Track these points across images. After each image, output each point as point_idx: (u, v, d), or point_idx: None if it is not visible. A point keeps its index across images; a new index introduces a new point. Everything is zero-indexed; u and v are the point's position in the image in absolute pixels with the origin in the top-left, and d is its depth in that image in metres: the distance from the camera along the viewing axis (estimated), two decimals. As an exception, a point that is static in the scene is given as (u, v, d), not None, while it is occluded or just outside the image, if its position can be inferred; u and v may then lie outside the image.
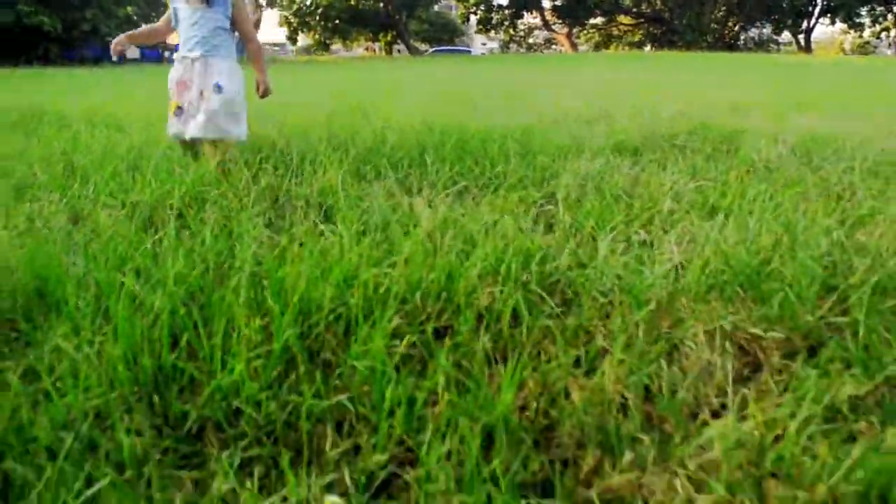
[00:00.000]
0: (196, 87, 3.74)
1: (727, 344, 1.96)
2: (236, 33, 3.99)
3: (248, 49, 4.06)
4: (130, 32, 4.05)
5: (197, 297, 1.97)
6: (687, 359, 1.91)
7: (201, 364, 1.71)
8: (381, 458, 1.40)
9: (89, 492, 1.30)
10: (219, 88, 3.72)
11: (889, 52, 69.74)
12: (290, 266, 2.03)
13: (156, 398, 1.62)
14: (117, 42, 3.88)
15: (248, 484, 1.36)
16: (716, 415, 1.69)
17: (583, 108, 7.07)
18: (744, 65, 22.27)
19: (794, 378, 1.80)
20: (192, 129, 3.74)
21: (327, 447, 1.46)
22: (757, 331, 2.03)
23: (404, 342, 1.74)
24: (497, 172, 3.76)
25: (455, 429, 1.48)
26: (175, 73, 3.81)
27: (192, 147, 3.92)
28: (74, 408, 1.52)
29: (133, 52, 45.99)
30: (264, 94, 4.04)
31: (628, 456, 1.48)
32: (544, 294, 2.13)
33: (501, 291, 2.09)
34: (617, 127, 5.40)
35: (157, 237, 2.49)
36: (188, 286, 1.99)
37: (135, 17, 44.41)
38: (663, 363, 1.84)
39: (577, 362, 1.88)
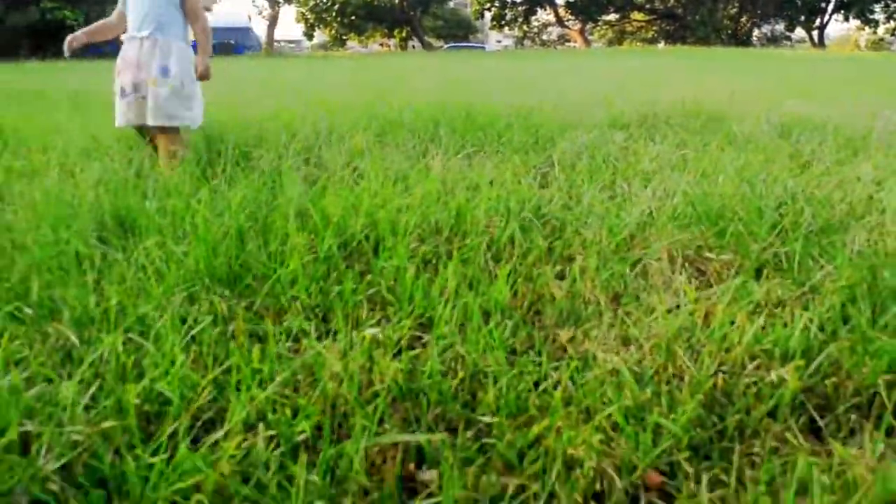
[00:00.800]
0: (145, 69, 3.56)
1: (686, 265, 2.40)
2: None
3: (193, 27, 3.79)
4: (87, 29, 3.86)
5: (256, 218, 2.43)
6: (651, 274, 2.34)
7: (262, 265, 2.17)
8: (406, 322, 1.85)
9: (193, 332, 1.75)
10: (166, 72, 3.57)
11: (903, 48, 69.47)
12: (329, 198, 2.49)
13: (227, 291, 2.07)
14: (72, 38, 3.77)
15: (305, 341, 1.81)
16: (670, 312, 2.12)
17: (585, 93, 7.52)
18: (751, 59, 22.57)
19: (737, 288, 2.22)
20: (142, 117, 3.60)
21: (363, 316, 1.91)
22: (710, 255, 2.47)
23: (422, 248, 2.20)
24: (502, 141, 4.21)
25: (463, 308, 1.92)
26: (123, 52, 3.64)
27: (146, 132, 3.80)
28: (167, 292, 1.98)
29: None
30: (202, 77, 3.73)
31: (595, 331, 1.92)
32: (537, 223, 2.57)
33: (501, 222, 2.54)
34: (614, 108, 5.83)
35: (214, 182, 2.96)
36: (248, 212, 2.45)
37: None
38: (629, 273, 2.28)
39: (561, 276, 2.32)
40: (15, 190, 3.05)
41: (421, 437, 1.40)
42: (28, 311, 1.87)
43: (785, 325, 1.89)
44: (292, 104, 5.84)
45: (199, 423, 1.46)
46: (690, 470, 1.36)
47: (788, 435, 1.46)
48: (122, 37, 3.67)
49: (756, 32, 63.67)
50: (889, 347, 1.69)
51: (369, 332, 1.68)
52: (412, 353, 1.68)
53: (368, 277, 2.13)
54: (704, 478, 1.31)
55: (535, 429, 1.40)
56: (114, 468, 1.29)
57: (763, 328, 1.86)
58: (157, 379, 1.51)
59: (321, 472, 1.30)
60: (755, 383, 1.62)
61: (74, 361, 1.65)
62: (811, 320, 1.85)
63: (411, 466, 1.40)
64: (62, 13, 35.16)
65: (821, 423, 1.54)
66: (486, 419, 1.48)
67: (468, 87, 9.27)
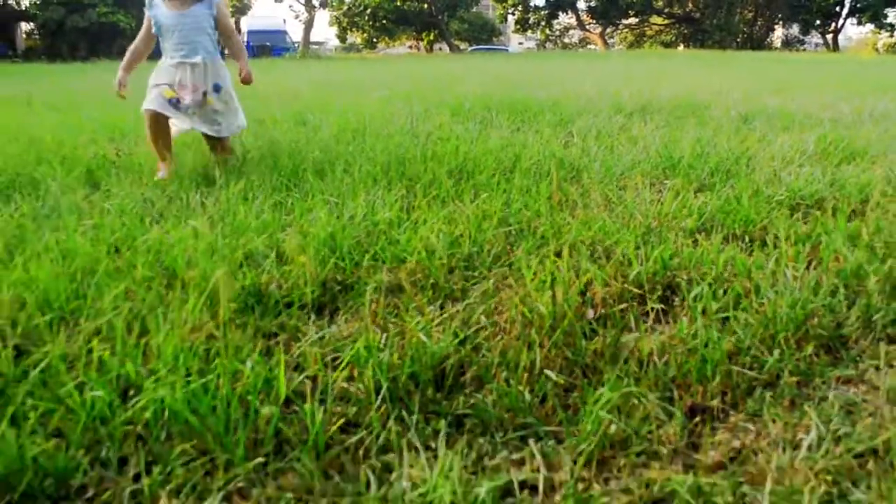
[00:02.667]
0: (199, 91, 3.90)
1: (650, 186, 4.00)
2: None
3: (230, 43, 4.10)
4: (124, 65, 4.02)
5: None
6: (634, 192, 3.94)
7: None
8: (497, 202, 3.47)
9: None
10: (218, 88, 3.96)
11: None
12: (436, 147, 4.15)
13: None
14: (121, 81, 3.98)
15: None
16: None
17: (598, 88, 9.17)
18: (756, 61, 24.04)
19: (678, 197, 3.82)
20: (206, 128, 4.02)
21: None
22: (667, 181, 4.08)
23: (497, 172, 3.84)
24: (537, 121, 5.86)
25: (524, 190, 3.54)
26: (173, 75, 3.91)
27: (168, 143, 4.05)
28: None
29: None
30: (247, 82, 4.12)
31: (596, 210, 3.53)
32: (563, 164, 4.21)
33: (543, 161, 4.18)
34: (619, 100, 7.48)
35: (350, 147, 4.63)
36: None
37: (230, 9, 46.59)
38: (616, 189, 3.89)
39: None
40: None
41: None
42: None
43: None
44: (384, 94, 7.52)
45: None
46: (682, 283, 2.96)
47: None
48: (168, 61, 3.92)
49: (771, 36, 64.36)
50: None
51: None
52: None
53: (470, 182, 3.76)
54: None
55: (567, 236, 3.01)
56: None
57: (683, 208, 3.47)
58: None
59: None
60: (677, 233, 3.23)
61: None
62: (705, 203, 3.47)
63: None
64: (116, 17, 37.12)
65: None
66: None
67: (505, 83, 10.94)
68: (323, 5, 55.66)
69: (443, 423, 1.65)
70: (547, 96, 7.57)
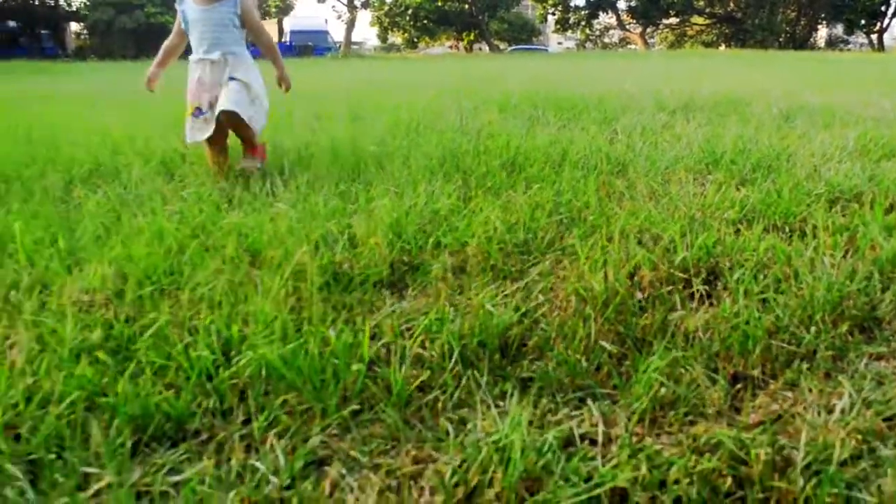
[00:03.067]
0: (218, 86, 3.77)
1: (693, 180, 4.14)
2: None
3: (261, 42, 3.98)
4: (157, 61, 3.96)
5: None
6: (678, 185, 4.09)
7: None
8: (548, 190, 3.64)
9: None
10: (233, 78, 3.77)
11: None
12: (491, 141, 4.34)
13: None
14: (152, 76, 3.95)
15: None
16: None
17: (640, 86, 9.29)
18: (797, 60, 23.86)
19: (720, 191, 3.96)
20: (220, 105, 3.75)
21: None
22: (710, 175, 4.22)
23: (547, 164, 4.02)
24: (583, 118, 6.02)
25: (572, 180, 3.71)
26: (194, 74, 3.82)
27: (218, 149, 3.99)
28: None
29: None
30: (287, 88, 4.08)
31: (643, 202, 3.69)
32: (609, 158, 4.37)
33: (591, 156, 4.35)
34: (661, 97, 7.60)
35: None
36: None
37: (274, 11, 47.18)
38: (661, 182, 4.04)
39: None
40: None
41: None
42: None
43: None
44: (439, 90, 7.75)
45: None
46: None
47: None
48: (192, 60, 3.85)
49: (814, 35, 63.56)
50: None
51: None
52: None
53: (521, 175, 3.95)
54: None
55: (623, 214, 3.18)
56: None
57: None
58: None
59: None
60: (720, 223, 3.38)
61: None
62: (747, 196, 3.61)
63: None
64: (164, 17, 37.91)
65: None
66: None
67: (548, 81, 11.10)
68: (365, 6, 56.15)
69: (509, 385, 1.84)
70: (591, 94, 7.72)
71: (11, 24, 48.44)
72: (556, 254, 2.76)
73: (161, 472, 1.51)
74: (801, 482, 1.46)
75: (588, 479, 1.46)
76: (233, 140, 4.14)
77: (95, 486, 1.46)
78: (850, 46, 68.18)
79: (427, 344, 2.02)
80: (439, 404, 1.78)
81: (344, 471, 1.51)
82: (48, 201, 3.35)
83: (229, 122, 3.78)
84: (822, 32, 66.81)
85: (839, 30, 66.96)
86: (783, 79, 13.28)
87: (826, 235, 2.85)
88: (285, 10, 55.23)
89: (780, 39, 56.87)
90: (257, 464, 1.52)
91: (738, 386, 1.90)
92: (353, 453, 1.58)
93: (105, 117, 6.81)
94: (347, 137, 4.78)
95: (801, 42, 58.55)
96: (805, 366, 1.98)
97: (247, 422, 1.70)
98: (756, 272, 2.51)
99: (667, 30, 66.89)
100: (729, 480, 1.47)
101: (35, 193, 3.48)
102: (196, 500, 1.42)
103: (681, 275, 2.55)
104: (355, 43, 74.69)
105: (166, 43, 3.97)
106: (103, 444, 1.55)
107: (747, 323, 2.12)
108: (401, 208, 3.10)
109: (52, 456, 1.54)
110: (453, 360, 1.92)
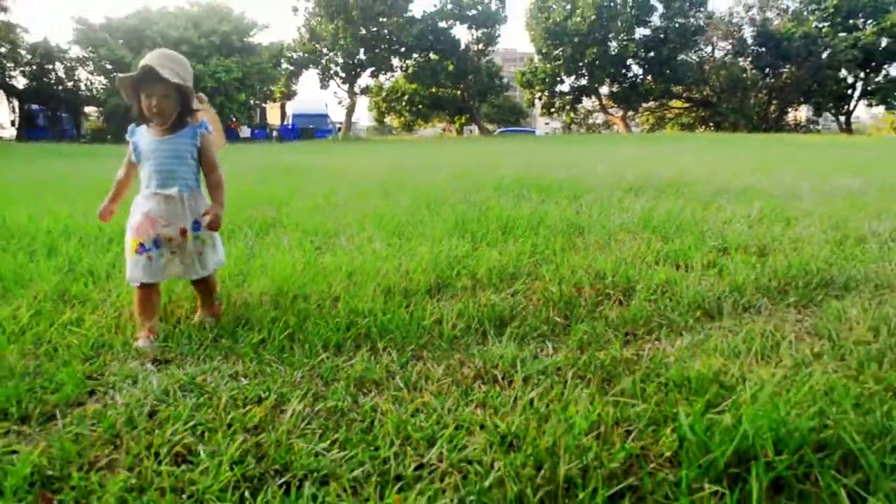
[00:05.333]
0: (174, 226, 3.43)
1: (634, 238, 5.78)
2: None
3: (210, 178, 3.60)
4: (110, 196, 3.61)
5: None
6: (619, 241, 5.72)
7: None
8: (516, 247, 5.28)
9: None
10: (198, 227, 3.48)
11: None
12: (490, 212, 6.03)
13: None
14: (106, 211, 3.57)
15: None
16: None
17: (608, 169, 11.10)
18: (764, 143, 26.02)
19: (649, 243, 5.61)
20: (181, 272, 3.52)
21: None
22: (644, 234, 5.86)
23: (528, 232, 5.69)
24: (557, 196, 7.75)
25: (547, 241, 5.35)
26: (143, 208, 3.45)
27: (155, 289, 3.52)
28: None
29: (244, 132, 51.44)
30: (212, 226, 3.48)
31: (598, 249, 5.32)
32: (574, 224, 6.04)
33: (560, 223, 6.02)
34: (623, 179, 9.37)
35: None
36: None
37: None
38: (609, 240, 5.68)
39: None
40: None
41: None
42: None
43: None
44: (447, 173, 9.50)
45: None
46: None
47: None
48: (141, 195, 3.49)
49: (785, 118, 66.35)
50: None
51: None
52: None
53: (511, 234, 5.58)
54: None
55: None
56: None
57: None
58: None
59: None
60: (641, 262, 5.01)
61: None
62: (664, 247, 5.26)
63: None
64: (180, 103, 40.01)
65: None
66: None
67: (533, 165, 12.96)
68: (364, 92, 58.97)
69: (505, 335, 3.44)
70: (566, 176, 9.53)
71: (35, 106, 50.86)
72: (531, 278, 4.38)
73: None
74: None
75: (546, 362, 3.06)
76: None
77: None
78: (819, 128, 71.17)
79: (457, 320, 3.61)
80: (469, 342, 3.36)
81: (430, 364, 3.09)
82: None
83: (199, 283, 3.65)
84: (794, 114, 69.71)
85: (809, 112, 70.00)
86: (734, 161, 15.19)
87: (702, 269, 4.50)
88: (289, 95, 57.78)
89: (753, 121, 59.59)
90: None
91: (629, 338, 3.49)
92: (427, 355, 3.17)
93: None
94: (386, 208, 6.46)
95: (772, 124, 61.26)
96: (667, 330, 3.56)
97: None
98: (654, 289, 4.13)
99: (647, 113, 69.88)
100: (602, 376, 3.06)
101: None
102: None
103: (609, 290, 4.16)
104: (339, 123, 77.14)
105: (117, 176, 3.62)
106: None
107: (641, 312, 3.72)
108: (433, 253, 4.75)
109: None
110: (475, 325, 3.52)
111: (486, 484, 2.01)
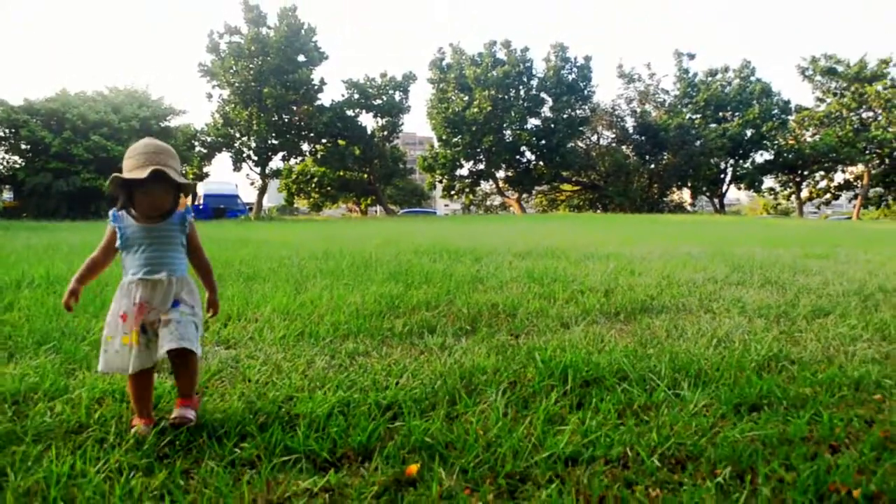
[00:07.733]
0: (157, 310, 3.25)
1: (518, 285, 7.76)
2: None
3: (199, 263, 3.54)
4: (78, 276, 3.35)
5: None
6: (507, 287, 7.69)
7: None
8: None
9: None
10: (177, 304, 3.29)
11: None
12: (409, 268, 7.95)
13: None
14: (71, 295, 3.28)
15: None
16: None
17: (501, 241, 13.26)
18: (640, 222, 29.07)
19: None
20: (150, 359, 3.23)
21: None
22: (535, 287, 7.87)
23: (438, 293, 7.64)
24: (462, 259, 9.74)
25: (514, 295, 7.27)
26: (129, 295, 3.25)
27: (147, 379, 3.31)
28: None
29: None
30: (215, 314, 3.59)
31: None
32: (475, 275, 8.00)
33: (451, 280, 7.98)
34: (512, 248, 11.48)
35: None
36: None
37: (191, 178, 49.75)
38: (499, 288, 7.65)
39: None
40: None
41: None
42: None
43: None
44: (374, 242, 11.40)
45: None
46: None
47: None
48: (127, 281, 3.29)
49: (665, 199, 70.74)
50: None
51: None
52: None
53: (432, 284, 7.49)
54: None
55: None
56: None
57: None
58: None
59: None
60: (525, 300, 6.97)
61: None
62: (542, 289, 7.27)
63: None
64: (98, 182, 40.30)
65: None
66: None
67: (441, 237, 14.98)
68: (275, 175, 60.41)
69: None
70: (469, 245, 11.66)
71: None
72: (448, 306, 6.27)
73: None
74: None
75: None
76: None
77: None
78: (696, 209, 76.49)
79: (403, 328, 5.44)
80: (413, 338, 5.19)
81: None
82: None
83: (178, 358, 3.31)
84: (677, 196, 74.33)
85: (686, 195, 75.05)
86: (611, 235, 17.66)
87: (564, 301, 6.52)
88: (201, 176, 58.45)
89: (637, 203, 63.48)
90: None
91: (513, 335, 5.40)
92: (389, 342, 4.99)
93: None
94: (347, 265, 8.27)
95: (654, 205, 65.35)
96: (538, 333, 5.48)
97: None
98: (531, 312, 6.06)
99: (540, 195, 73.39)
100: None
101: None
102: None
103: (500, 313, 6.07)
104: (249, 204, 77.62)
105: (91, 259, 3.42)
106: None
107: (521, 324, 5.65)
108: (378, 292, 6.60)
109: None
110: (416, 330, 5.36)
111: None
